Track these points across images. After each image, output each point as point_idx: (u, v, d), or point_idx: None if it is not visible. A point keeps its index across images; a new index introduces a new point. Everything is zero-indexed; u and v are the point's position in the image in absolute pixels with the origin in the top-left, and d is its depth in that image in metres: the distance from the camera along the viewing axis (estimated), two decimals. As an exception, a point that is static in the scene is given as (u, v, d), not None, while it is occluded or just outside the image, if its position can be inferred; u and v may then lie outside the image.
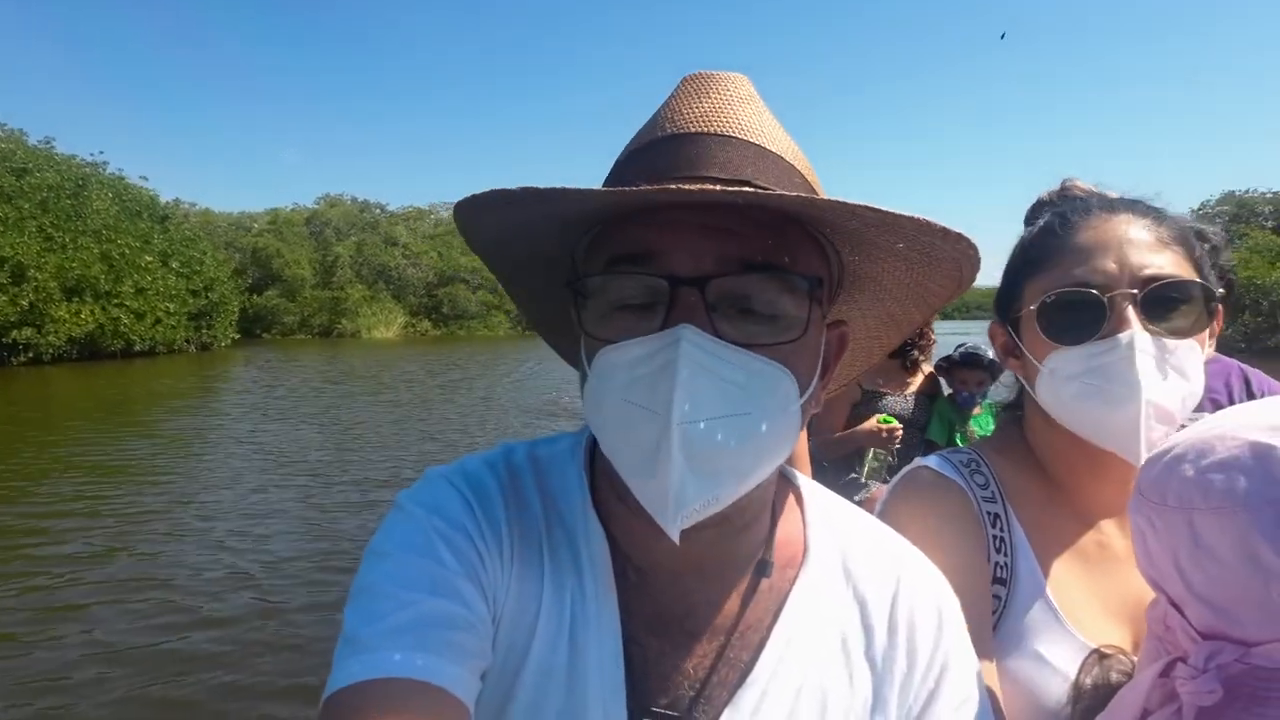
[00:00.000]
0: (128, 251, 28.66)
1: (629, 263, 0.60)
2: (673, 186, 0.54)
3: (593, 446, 0.73)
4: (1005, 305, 0.94)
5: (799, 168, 0.65)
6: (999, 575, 0.87)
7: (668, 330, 0.56)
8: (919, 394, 3.41)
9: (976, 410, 3.41)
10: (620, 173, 0.66)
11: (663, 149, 0.63)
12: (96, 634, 4.44)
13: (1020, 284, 0.92)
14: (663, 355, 0.56)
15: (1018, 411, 1.00)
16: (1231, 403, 1.91)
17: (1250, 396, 2.01)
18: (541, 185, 0.55)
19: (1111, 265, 0.83)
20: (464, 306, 54.70)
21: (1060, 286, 0.84)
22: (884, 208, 0.56)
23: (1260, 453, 0.56)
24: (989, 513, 0.89)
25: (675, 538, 0.57)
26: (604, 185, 0.65)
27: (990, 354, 3.36)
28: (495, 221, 0.64)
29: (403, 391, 17.65)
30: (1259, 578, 0.55)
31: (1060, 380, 0.84)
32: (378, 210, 62.46)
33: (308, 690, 3.77)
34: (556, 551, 0.67)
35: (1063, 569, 0.88)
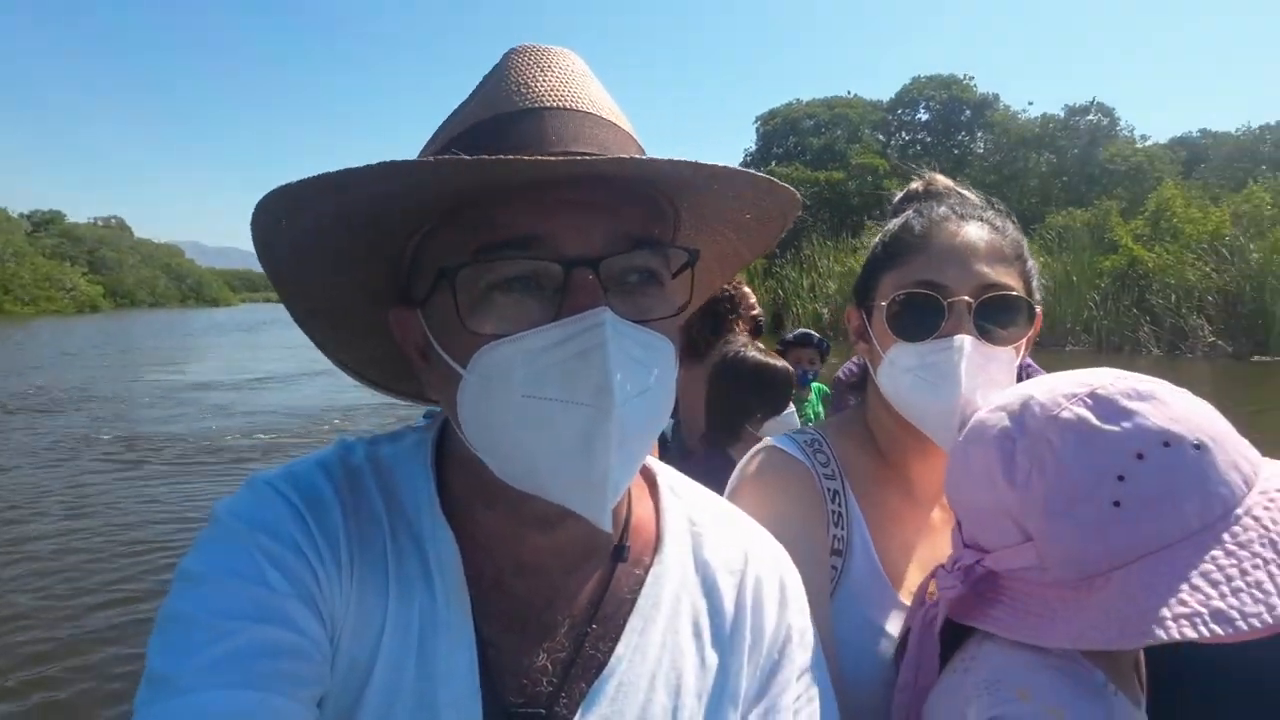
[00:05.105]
0: None
1: (512, 248, 0.55)
2: (581, 157, 0.53)
3: (439, 444, 0.69)
4: (862, 293, 1.02)
5: (637, 139, 0.64)
6: (836, 547, 0.94)
7: (584, 314, 0.54)
8: None
9: (807, 392, 3.62)
10: (464, 149, 0.56)
11: (523, 123, 0.58)
12: None
13: (877, 275, 0.99)
14: (580, 341, 0.54)
15: (860, 393, 1.08)
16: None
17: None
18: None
19: (957, 272, 0.91)
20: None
21: (909, 286, 0.93)
22: (754, 173, 0.60)
23: (1009, 406, 0.74)
24: (829, 489, 0.96)
25: (608, 526, 0.57)
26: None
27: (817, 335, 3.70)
28: (304, 222, 0.57)
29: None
30: (991, 494, 0.72)
31: (898, 371, 0.93)
32: None
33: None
34: (403, 559, 0.63)
35: (892, 541, 0.97)
